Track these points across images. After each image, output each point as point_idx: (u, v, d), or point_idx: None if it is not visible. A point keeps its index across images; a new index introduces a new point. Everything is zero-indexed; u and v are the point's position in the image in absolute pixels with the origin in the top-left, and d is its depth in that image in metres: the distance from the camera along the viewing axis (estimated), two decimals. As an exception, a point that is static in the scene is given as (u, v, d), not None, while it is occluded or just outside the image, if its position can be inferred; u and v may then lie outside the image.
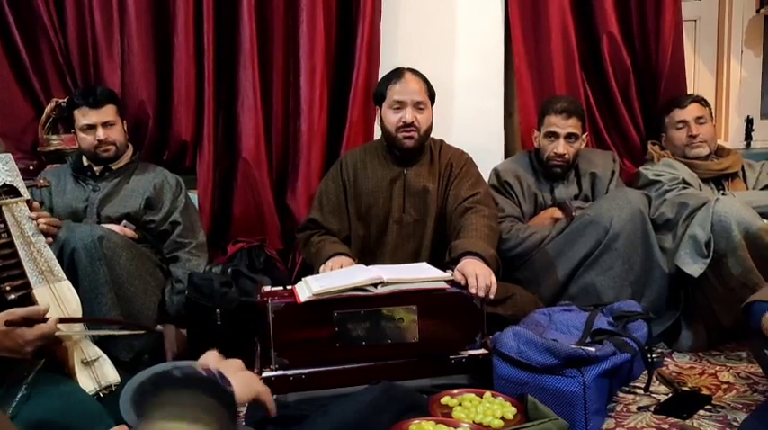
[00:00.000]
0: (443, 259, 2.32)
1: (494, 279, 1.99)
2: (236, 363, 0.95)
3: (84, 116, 2.48)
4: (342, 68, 2.99)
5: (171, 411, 0.74)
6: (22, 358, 1.49)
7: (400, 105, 2.41)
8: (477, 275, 1.96)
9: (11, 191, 1.68)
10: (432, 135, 2.56)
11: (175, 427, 0.72)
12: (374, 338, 1.93)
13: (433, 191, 2.46)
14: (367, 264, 2.25)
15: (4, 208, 1.64)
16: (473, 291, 1.94)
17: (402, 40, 3.05)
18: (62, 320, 1.57)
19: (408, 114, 2.39)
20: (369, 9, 2.88)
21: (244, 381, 0.89)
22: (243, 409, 1.89)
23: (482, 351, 1.98)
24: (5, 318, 1.43)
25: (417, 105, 2.40)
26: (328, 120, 2.95)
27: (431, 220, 2.46)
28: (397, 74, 2.46)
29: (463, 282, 1.98)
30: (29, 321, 1.47)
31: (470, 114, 3.08)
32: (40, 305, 1.56)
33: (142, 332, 2.07)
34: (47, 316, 1.50)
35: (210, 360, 0.94)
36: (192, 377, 0.80)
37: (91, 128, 2.49)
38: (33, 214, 1.67)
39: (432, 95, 2.47)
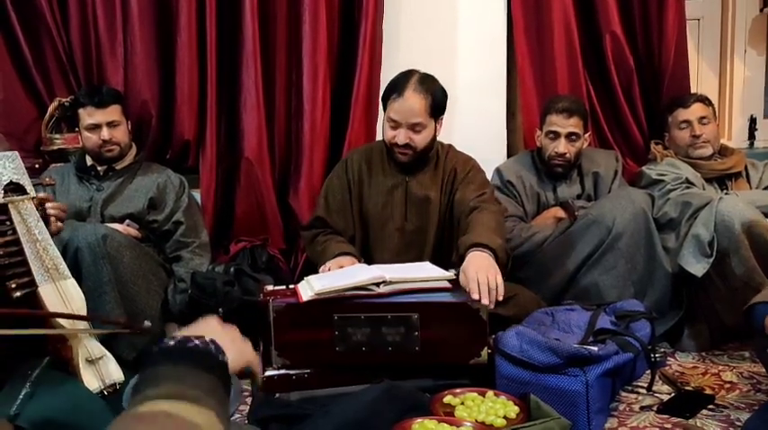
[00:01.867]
0: (444, 267, 2.31)
1: (500, 278, 1.86)
2: (233, 333, 0.94)
3: (89, 116, 2.49)
4: (344, 68, 2.99)
5: (167, 389, 0.72)
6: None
7: (395, 124, 2.33)
8: (480, 280, 1.82)
9: (17, 188, 1.69)
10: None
11: (173, 408, 0.69)
12: (374, 344, 1.90)
13: (435, 199, 2.41)
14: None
15: (10, 206, 1.65)
16: (475, 296, 1.81)
17: (404, 40, 3.05)
18: None
19: (401, 136, 2.31)
20: (371, 9, 2.87)
21: (237, 348, 0.88)
22: (245, 408, 1.90)
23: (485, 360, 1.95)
24: None
25: (413, 128, 2.31)
26: (330, 120, 2.95)
27: (432, 229, 2.42)
28: (399, 87, 2.31)
29: (468, 288, 1.86)
30: None
31: (473, 114, 3.07)
32: (48, 304, 1.57)
33: (128, 331, 2.02)
34: None
35: (210, 325, 0.92)
36: (187, 349, 0.77)
37: (96, 127, 2.50)
38: (42, 194, 1.68)
39: (437, 109, 2.34)
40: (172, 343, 0.78)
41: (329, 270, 2.20)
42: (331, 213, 2.46)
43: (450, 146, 2.54)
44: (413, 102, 2.28)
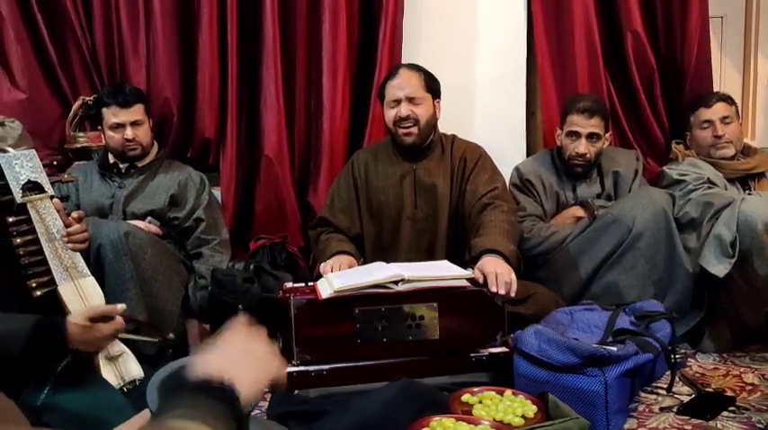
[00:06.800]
0: (459, 255, 2.31)
1: (514, 277, 1.97)
2: (259, 343, 1.00)
3: (113, 115, 2.52)
4: (364, 67, 3.00)
5: (185, 410, 0.76)
6: (95, 351, 1.60)
7: (395, 103, 2.40)
8: (497, 274, 1.95)
9: (35, 187, 1.70)
10: (453, 133, 2.55)
11: (185, 425, 0.74)
12: (395, 335, 1.93)
13: (443, 186, 2.44)
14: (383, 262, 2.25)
15: (29, 205, 1.66)
16: (493, 289, 1.93)
17: (424, 39, 3.05)
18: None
19: (403, 109, 2.39)
20: (391, 8, 2.88)
21: (256, 382, 0.92)
22: (264, 404, 1.91)
23: (503, 349, 1.98)
24: (89, 315, 1.50)
25: (412, 101, 2.39)
26: (350, 119, 2.96)
27: (443, 216, 2.44)
28: (392, 71, 2.47)
29: (482, 281, 1.97)
30: (106, 318, 1.53)
31: (492, 112, 3.07)
32: (68, 303, 1.58)
33: (156, 340, 2.05)
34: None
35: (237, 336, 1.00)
36: (209, 382, 0.83)
37: (120, 127, 2.52)
38: (66, 224, 1.71)
39: (432, 88, 2.44)
40: (199, 376, 0.84)
41: (331, 269, 2.21)
42: (335, 213, 2.50)
43: (453, 135, 2.57)
44: (407, 77, 2.41)
